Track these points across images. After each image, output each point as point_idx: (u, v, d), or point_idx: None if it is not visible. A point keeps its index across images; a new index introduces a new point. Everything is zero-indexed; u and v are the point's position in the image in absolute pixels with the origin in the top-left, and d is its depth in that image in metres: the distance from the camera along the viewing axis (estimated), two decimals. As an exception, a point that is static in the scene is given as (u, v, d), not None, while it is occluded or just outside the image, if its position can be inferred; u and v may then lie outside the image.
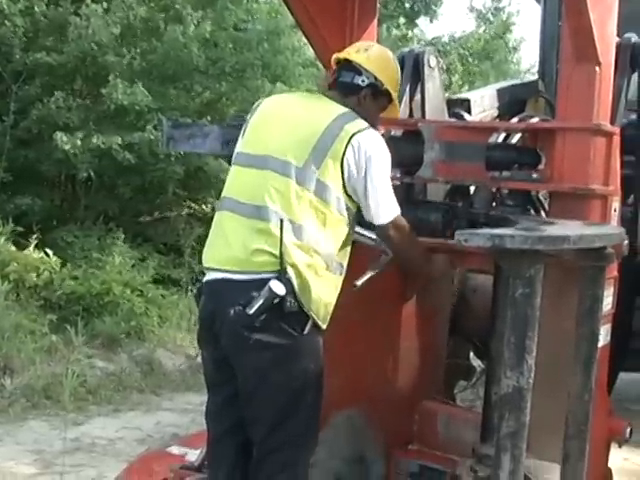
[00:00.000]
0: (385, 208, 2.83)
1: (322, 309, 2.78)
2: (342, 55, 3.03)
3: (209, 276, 2.87)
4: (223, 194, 2.94)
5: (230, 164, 3.01)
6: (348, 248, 2.90)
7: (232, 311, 2.69)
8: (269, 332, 2.69)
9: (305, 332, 2.73)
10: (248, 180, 2.85)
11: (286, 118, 2.89)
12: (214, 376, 2.94)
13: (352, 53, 3.01)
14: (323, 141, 2.76)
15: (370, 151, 2.77)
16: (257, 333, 2.68)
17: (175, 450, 3.71)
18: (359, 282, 2.99)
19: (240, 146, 2.95)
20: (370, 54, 2.99)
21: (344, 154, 2.75)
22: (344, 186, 2.78)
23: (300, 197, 2.74)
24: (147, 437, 5.60)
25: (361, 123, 2.82)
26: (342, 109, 2.86)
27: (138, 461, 3.86)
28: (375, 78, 2.95)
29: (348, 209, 2.81)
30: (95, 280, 7.82)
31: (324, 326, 2.82)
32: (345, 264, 2.88)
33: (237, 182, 2.90)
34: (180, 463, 3.45)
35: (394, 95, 3.04)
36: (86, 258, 8.33)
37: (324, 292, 2.77)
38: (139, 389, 6.74)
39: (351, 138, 2.75)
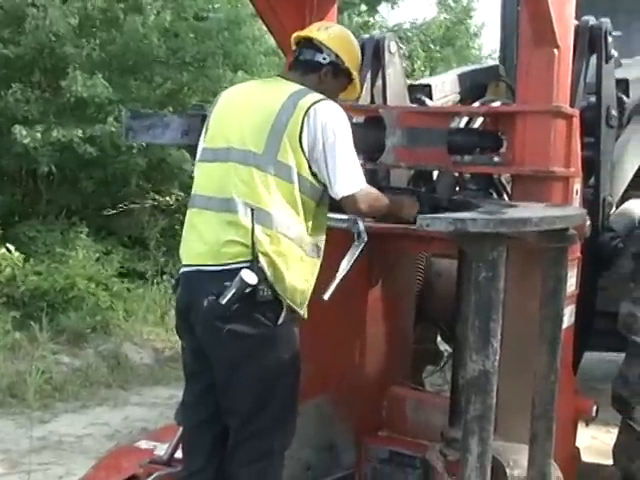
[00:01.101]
0: (348, 180, 2.76)
1: (298, 296, 2.78)
2: (303, 33, 3.01)
3: (185, 268, 2.87)
4: (193, 192, 2.94)
5: (192, 154, 2.99)
6: (323, 229, 2.88)
7: (206, 301, 2.69)
8: (242, 322, 2.69)
9: (279, 322, 2.73)
10: (214, 174, 2.84)
11: (243, 107, 2.88)
12: (192, 366, 2.94)
13: (313, 31, 3.00)
14: (278, 122, 2.73)
15: (325, 121, 2.73)
16: (230, 323, 2.68)
17: (144, 445, 3.68)
18: (326, 295, 2.90)
19: (204, 142, 2.94)
20: (331, 32, 2.99)
21: (301, 130, 2.72)
22: (309, 164, 2.75)
23: (265, 183, 2.72)
24: (115, 432, 5.55)
25: (315, 96, 2.79)
26: (297, 87, 2.83)
27: (106, 457, 3.83)
28: (336, 56, 2.94)
29: (314, 188, 2.78)
30: (59, 275, 7.72)
31: (301, 311, 2.82)
32: (322, 245, 2.87)
33: (204, 178, 2.90)
34: (149, 458, 3.43)
35: (354, 74, 3.03)
36: (49, 253, 8.22)
37: (299, 279, 2.77)
38: (106, 384, 6.67)
39: (306, 112, 2.72)
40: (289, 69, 3.02)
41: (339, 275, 2.92)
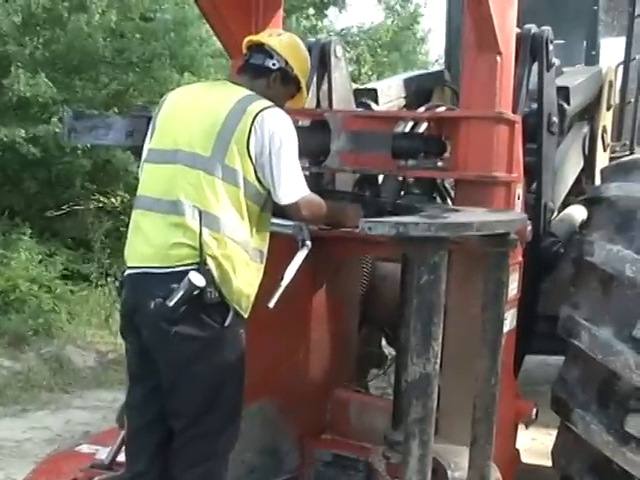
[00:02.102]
0: (291, 187, 2.79)
1: (244, 300, 2.79)
2: (255, 38, 3.04)
3: (130, 270, 2.85)
4: (138, 193, 2.92)
5: (136, 156, 2.96)
6: (266, 234, 2.90)
7: (152, 303, 2.68)
8: (189, 324, 2.68)
9: (226, 324, 2.73)
10: (161, 176, 2.83)
11: (191, 109, 2.87)
12: (137, 368, 2.92)
13: (265, 37, 3.03)
14: (226, 126, 2.74)
15: (273, 128, 2.75)
16: (177, 325, 2.67)
17: (85, 449, 3.63)
18: (271, 303, 2.89)
19: (150, 143, 2.93)
20: (282, 39, 3.02)
21: (249, 135, 2.73)
22: (255, 170, 2.76)
23: (212, 187, 2.73)
24: (57, 437, 5.45)
25: (264, 102, 2.81)
26: (245, 92, 2.85)
27: (46, 462, 3.76)
28: (286, 63, 2.96)
29: (258, 193, 2.79)
30: (0, 277, 7.58)
31: (246, 315, 2.82)
32: (265, 251, 2.88)
33: (151, 179, 2.88)
34: (90, 462, 3.38)
35: (303, 83, 3.05)
36: (-10, 254, 8.07)
37: (245, 283, 2.78)
38: (48, 388, 6.55)
39: (255, 118, 2.74)
40: (238, 73, 3.02)
41: (284, 283, 2.92)
